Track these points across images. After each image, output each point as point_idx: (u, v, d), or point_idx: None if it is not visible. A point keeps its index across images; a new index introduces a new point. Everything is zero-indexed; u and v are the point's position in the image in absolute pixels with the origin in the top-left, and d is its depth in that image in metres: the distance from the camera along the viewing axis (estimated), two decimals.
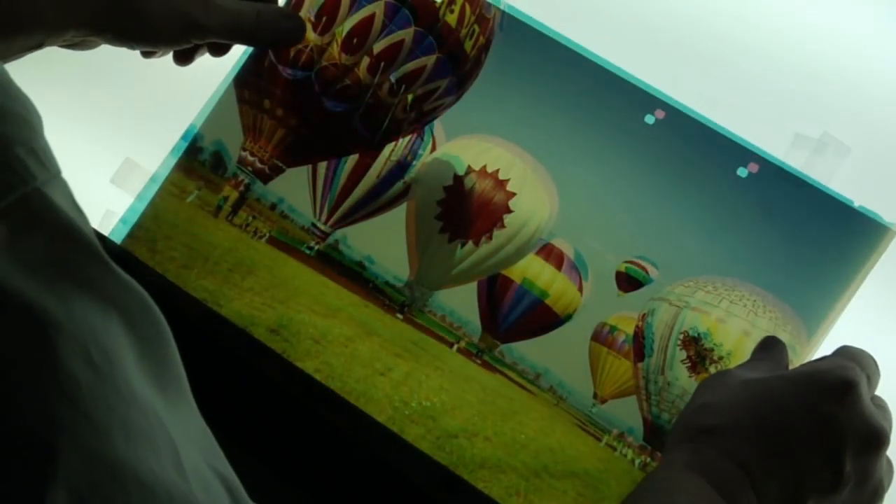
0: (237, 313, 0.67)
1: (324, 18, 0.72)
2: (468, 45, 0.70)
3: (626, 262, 0.65)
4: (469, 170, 0.69)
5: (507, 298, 0.68)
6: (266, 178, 0.72)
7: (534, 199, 0.68)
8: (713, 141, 0.65)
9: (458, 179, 0.69)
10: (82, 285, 0.30)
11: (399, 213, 0.70)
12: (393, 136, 0.71)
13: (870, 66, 0.71)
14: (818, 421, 0.50)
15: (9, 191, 0.29)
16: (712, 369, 0.62)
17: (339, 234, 0.71)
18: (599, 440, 0.64)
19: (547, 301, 0.67)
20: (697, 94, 0.67)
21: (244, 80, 0.72)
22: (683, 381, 0.63)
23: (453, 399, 0.65)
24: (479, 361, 0.67)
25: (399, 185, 0.70)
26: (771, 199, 0.63)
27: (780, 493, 0.49)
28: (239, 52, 0.72)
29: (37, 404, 0.27)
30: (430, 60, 0.71)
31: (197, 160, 0.72)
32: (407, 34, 0.71)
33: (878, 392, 0.55)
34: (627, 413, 0.64)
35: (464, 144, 0.70)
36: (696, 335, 0.63)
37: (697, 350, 0.63)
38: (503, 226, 0.68)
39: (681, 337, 0.64)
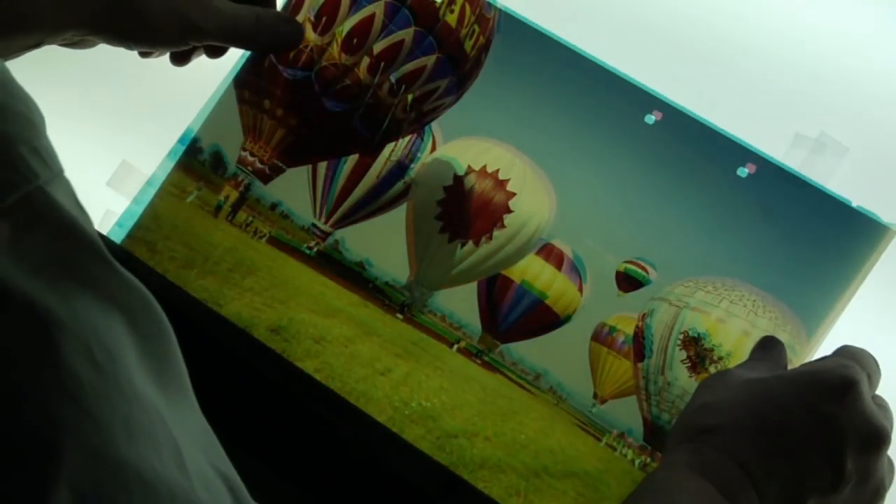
0: (237, 313, 0.67)
1: (324, 18, 0.72)
2: (468, 45, 0.70)
3: (626, 262, 0.65)
4: (469, 170, 0.69)
5: (507, 298, 0.68)
6: (266, 179, 0.72)
7: (534, 199, 0.68)
8: (712, 141, 0.65)
9: (458, 179, 0.69)
10: (85, 284, 0.30)
11: (399, 214, 0.70)
12: (393, 136, 0.71)
13: (869, 66, 0.71)
14: (819, 420, 0.50)
15: (12, 189, 0.29)
16: (712, 369, 0.62)
17: (339, 234, 0.70)
18: (599, 440, 0.64)
19: (547, 301, 0.67)
20: (696, 95, 0.67)
21: (244, 81, 0.72)
22: (683, 381, 0.63)
23: (453, 399, 0.65)
24: (479, 362, 0.67)
25: (399, 186, 0.70)
26: (770, 199, 0.64)
27: (781, 493, 0.49)
28: (237, 54, 0.72)
29: (39, 403, 0.27)
30: (430, 60, 0.71)
31: (197, 160, 0.72)
32: (407, 34, 0.71)
33: (878, 392, 0.55)
34: (627, 413, 0.64)
35: (464, 144, 0.70)
36: (696, 335, 0.63)
37: (697, 350, 0.63)
38: (503, 226, 0.68)
39: (681, 337, 0.64)
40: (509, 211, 0.68)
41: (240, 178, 0.72)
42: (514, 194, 0.68)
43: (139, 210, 0.71)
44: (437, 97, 0.71)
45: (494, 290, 0.68)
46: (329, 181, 0.71)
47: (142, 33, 0.59)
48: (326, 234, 0.71)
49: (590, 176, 0.67)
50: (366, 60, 0.71)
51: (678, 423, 0.55)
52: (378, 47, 0.71)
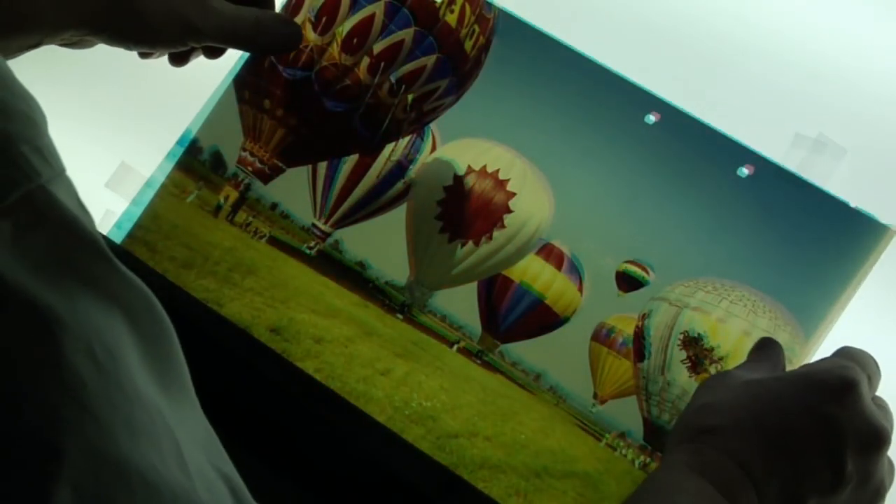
0: (237, 313, 0.67)
1: (324, 19, 0.72)
2: (468, 45, 0.70)
3: (626, 262, 0.65)
4: (469, 170, 0.69)
5: (507, 298, 0.68)
6: (266, 179, 0.72)
7: (534, 199, 0.68)
8: (710, 142, 0.65)
9: (459, 179, 0.69)
10: (86, 283, 0.30)
11: (399, 214, 0.70)
12: (393, 136, 0.71)
13: (869, 66, 0.71)
14: (819, 421, 0.50)
15: (13, 188, 0.29)
16: (712, 369, 0.62)
17: (339, 234, 0.70)
18: (600, 440, 0.64)
19: (547, 301, 0.67)
20: (695, 95, 0.67)
21: (244, 80, 0.72)
22: (683, 381, 0.63)
23: (453, 399, 0.65)
24: (479, 362, 0.67)
25: (399, 185, 0.70)
26: (768, 200, 0.64)
27: (781, 493, 0.49)
28: (236, 55, 0.72)
29: (40, 402, 0.27)
30: (430, 61, 0.71)
31: (197, 160, 0.72)
32: (407, 34, 0.71)
33: (878, 392, 0.55)
34: (627, 413, 0.64)
35: (464, 144, 0.70)
36: (696, 335, 0.63)
37: (697, 350, 0.63)
38: (503, 226, 0.68)
39: (681, 337, 0.64)
40: (509, 211, 0.68)
41: (240, 178, 0.72)
42: (514, 194, 0.68)
43: (138, 211, 0.71)
44: (437, 97, 0.71)
45: (494, 290, 0.68)
46: (329, 181, 0.71)
47: (141, 34, 0.59)
48: (326, 235, 0.71)
49: (589, 176, 0.67)
50: (366, 60, 0.71)
51: (678, 424, 0.55)
52: (378, 47, 0.71)
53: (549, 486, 0.62)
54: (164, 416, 0.31)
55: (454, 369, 0.66)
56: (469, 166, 0.69)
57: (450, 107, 0.70)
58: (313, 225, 0.71)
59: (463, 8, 0.70)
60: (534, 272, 0.67)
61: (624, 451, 0.63)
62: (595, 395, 0.65)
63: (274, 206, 0.71)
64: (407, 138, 0.71)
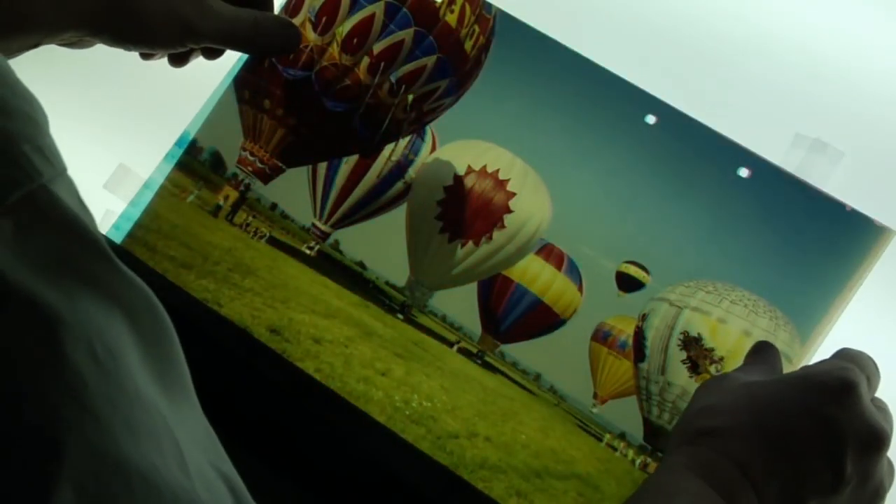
0: (237, 313, 0.67)
1: (324, 19, 0.72)
2: (468, 45, 0.70)
3: (626, 262, 0.65)
4: (469, 170, 0.69)
5: (507, 299, 0.68)
6: (266, 179, 0.72)
7: (534, 199, 0.68)
8: (710, 143, 0.65)
9: (459, 179, 0.69)
10: (87, 282, 0.30)
11: (399, 214, 0.70)
12: (393, 136, 0.71)
13: (869, 67, 0.71)
14: (818, 422, 0.50)
15: (15, 187, 0.29)
16: (712, 369, 0.62)
17: (338, 234, 0.70)
18: (600, 440, 0.64)
19: (547, 301, 0.67)
20: (694, 96, 0.67)
21: (244, 80, 0.72)
22: (684, 381, 0.63)
23: (453, 399, 0.65)
24: (479, 362, 0.67)
25: (399, 186, 0.70)
26: (765, 202, 0.64)
27: (781, 495, 0.49)
28: (235, 56, 0.72)
29: (41, 401, 0.27)
30: (430, 61, 0.71)
31: (197, 160, 0.72)
32: (407, 34, 0.71)
33: (878, 394, 0.55)
34: (627, 413, 0.64)
35: (464, 145, 0.70)
36: (696, 335, 0.63)
37: (697, 350, 0.63)
38: (503, 226, 0.68)
39: (681, 337, 0.64)
40: (509, 211, 0.68)
41: (239, 179, 0.72)
42: (514, 194, 0.68)
43: (136, 213, 0.71)
44: (436, 97, 0.71)
45: (494, 290, 0.68)
46: (328, 181, 0.71)
47: (140, 35, 0.59)
48: (326, 235, 0.71)
49: (588, 177, 0.67)
50: (366, 60, 0.71)
51: (678, 426, 0.55)
52: (378, 47, 0.71)
53: (549, 487, 0.62)
54: (164, 416, 0.31)
55: (454, 369, 0.66)
56: (469, 166, 0.69)
57: (450, 107, 0.70)
58: (313, 225, 0.71)
59: (463, 8, 0.70)
60: (534, 272, 0.67)
61: (624, 451, 0.63)
62: (595, 396, 0.65)
63: (274, 206, 0.71)
64: (406, 138, 0.71)
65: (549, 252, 0.67)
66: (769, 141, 0.65)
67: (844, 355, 0.55)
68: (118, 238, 0.70)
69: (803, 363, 0.61)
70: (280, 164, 0.72)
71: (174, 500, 0.29)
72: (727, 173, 0.64)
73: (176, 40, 0.60)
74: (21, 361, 0.27)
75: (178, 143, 0.72)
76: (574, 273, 0.67)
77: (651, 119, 0.66)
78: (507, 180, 0.68)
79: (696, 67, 0.73)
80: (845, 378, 0.51)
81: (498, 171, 0.68)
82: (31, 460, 0.26)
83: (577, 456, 0.64)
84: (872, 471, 0.50)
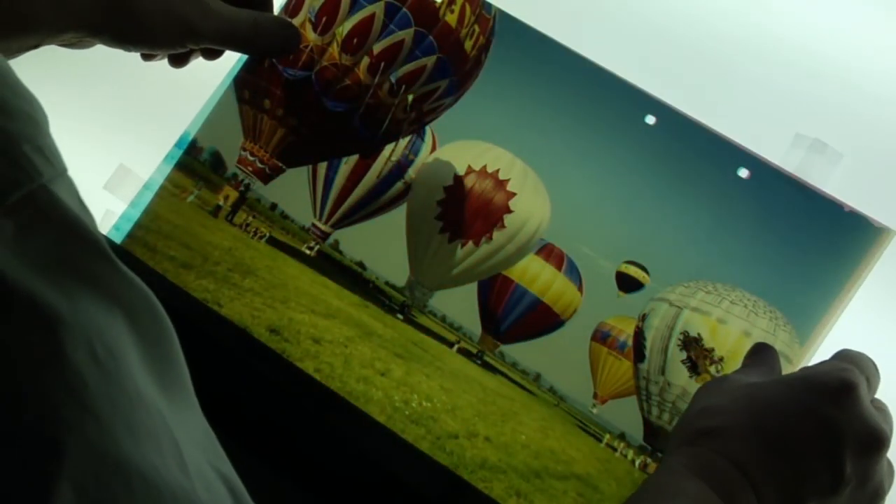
0: (237, 313, 0.67)
1: (324, 19, 0.72)
2: (468, 45, 0.70)
3: (626, 263, 0.65)
4: (469, 170, 0.69)
5: (507, 299, 0.68)
6: (266, 179, 0.72)
7: (534, 199, 0.68)
8: (709, 144, 0.65)
9: (459, 179, 0.69)
10: (87, 282, 0.30)
11: (399, 214, 0.70)
12: (393, 136, 0.71)
13: (869, 67, 0.71)
14: (818, 423, 0.50)
15: (16, 187, 0.29)
16: (712, 370, 0.62)
17: (338, 234, 0.70)
18: (600, 440, 0.64)
19: (547, 301, 0.67)
20: (693, 96, 0.67)
21: (244, 80, 0.72)
22: (683, 381, 0.63)
23: (453, 399, 0.65)
24: (479, 362, 0.67)
25: (399, 186, 0.70)
26: (766, 202, 0.64)
27: (780, 495, 0.49)
28: (235, 56, 0.72)
29: (41, 400, 0.27)
30: (429, 61, 0.71)
31: (197, 160, 0.72)
32: (407, 34, 0.71)
33: (878, 395, 0.55)
34: (627, 413, 0.64)
35: (464, 145, 0.70)
36: (696, 335, 0.63)
37: (697, 350, 0.63)
38: (503, 226, 0.68)
39: (681, 337, 0.64)
40: (509, 211, 0.68)
41: (239, 179, 0.72)
42: (514, 194, 0.68)
43: (136, 213, 0.71)
44: (436, 97, 0.71)
45: (494, 290, 0.68)
46: (328, 181, 0.71)
47: (140, 35, 0.59)
48: (326, 235, 0.71)
49: (588, 177, 0.67)
50: (366, 60, 0.71)
51: (677, 427, 0.55)
52: (378, 47, 0.71)
53: (549, 487, 0.62)
54: (163, 416, 0.31)
55: (454, 370, 0.66)
56: (469, 166, 0.69)
57: (449, 107, 0.70)
58: (313, 225, 0.71)
59: (463, 8, 0.70)
60: (534, 272, 0.67)
61: (624, 452, 0.63)
62: (595, 396, 0.65)
63: (273, 206, 0.71)
64: (406, 139, 0.71)
65: (548, 252, 0.67)
66: (769, 141, 0.65)
67: (844, 356, 0.55)
68: (118, 238, 0.70)
69: (803, 364, 0.61)
70: (280, 164, 0.72)
71: (174, 500, 0.29)
72: (727, 174, 0.64)
73: (176, 41, 0.60)
74: (21, 361, 0.27)
75: (177, 144, 0.72)
76: (574, 273, 0.67)
77: (651, 119, 0.66)
78: (507, 180, 0.68)
79: (696, 67, 0.73)
80: (845, 379, 0.51)
81: (498, 171, 0.68)
82: (31, 460, 0.26)
83: (576, 456, 0.64)
84: (872, 471, 0.50)
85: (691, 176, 0.65)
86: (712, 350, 0.63)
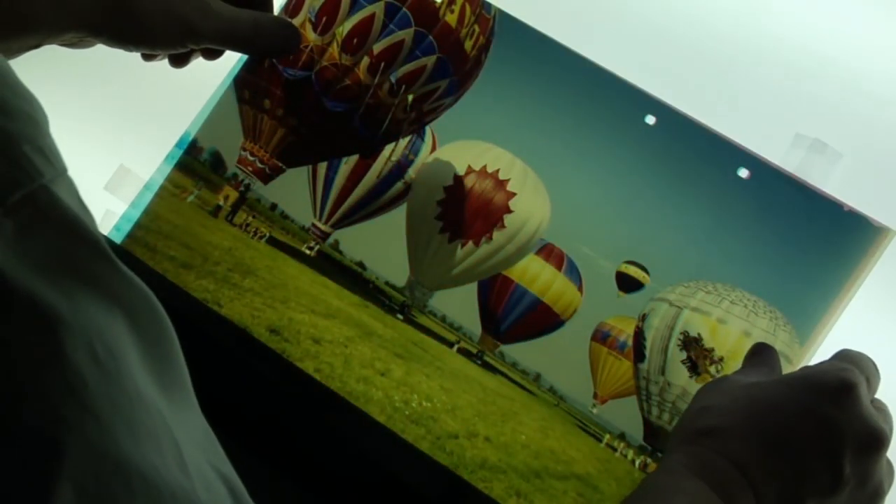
0: (237, 313, 0.67)
1: (324, 19, 0.72)
2: (468, 45, 0.70)
3: (626, 263, 0.65)
4: (469, 170, 0.69)
5: (507, 299, 0.68)
6: (266, 179, 0.72)
7: (534, 199, 0.68)
8: (709, 144, 0.65)
9: (459, 179, 0.69)
10: (88, 282, 0.30)
11: (399, 214, 0.70)
12: (392, 136, 0.71)
13: (869, 67, 0.71)
14: (817, 423, 0.50)
15: (16, 188, 0.29)
16: (712, 370, 0.62)
17: (338, 234, 0.70)
18: (599, 440, 0.64)
19: (547, 301, 0.67)
20: (693, 96, 0.67)
21: (244, 81, 0.72)
22: (683, 381, 0.63)
23: (453, 399, 0.65)
24: (479, 362, 0.67)
25: (399, 186, 0.70)
26: (766, 202, 0.64)
27: (780, 495, 0.49)
28: (236, 56, 0.72)
29: (41, 401, 0.27)
30: (429, 61, 0.71)
31: (197, 160, 0.72)
32: (407, 34, 0.71)
33: (878, 395, 0.55)
34: (627, 413, 0.64)
35: (463, 145, 0.70)
36: (696, 335, 0.63)
37: (697, 350, 0.63)
38: (503, 226, 0.68)
39: (681, 337, 0.64)
40: (509, 211, 0.68)
41: (239, 179, 0.72)
42: (514, 194, 0.68)
43: (137, 214, 0.71)
44: (436, 97, 0.71)
45: (494, 290, 0.68)
46: (328, 181, 0.71)
47: (140, 35, 0.59)
48: (326, 235, 0.71)
49: (588, 177, 0.67)
50: (366, 60, 0.71)
51: (677, 427, 0.55)
52: (378, 47, 0.71)
53: (549, 487, 0.62)
54: (163, 416, 0.31)
55: (454, 370, 0.66)
56: (469, 166, 0.69)
57: (449, 107, 0.70)
58: (313, 225, 0.71)
59: (463, 8, 0.70)
60: (534, 272, 0.67)
61: (624, 452, 0.63)
62: (595, 396, 0.65)
63: (273, 206, 0.71)
64: (406, 139, 0.71)
65: (548, 252, 0.67)
66: (769, 141, 0.65)
67: (844, 356, 0.55)
68: (118, 238, 0.70)
69: (803, 364, 0.62)
70: (280, 164, 0.72)
71: (174, 500, 0.29)
72: (727, 174, 0.64)
73: (176, 41, 0.60)
74: (21, 361, 0.27)
75: (178, 145, 0.72)
76: (574, 273, 0.67)
77: (651, 119, 0.66)
78: (507, 180, 0.68)
79: (696, 68, 0.73)
80: (844, 379, 0.51)
81: (498, 171, 0.68)
82: (31, 460, 0.26)
83: (576, 456, 0.64)
84: (871, 471, 0.50)
85: (691, 176, 0.65)
86: (712, 350, 0.63)
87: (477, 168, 0.69)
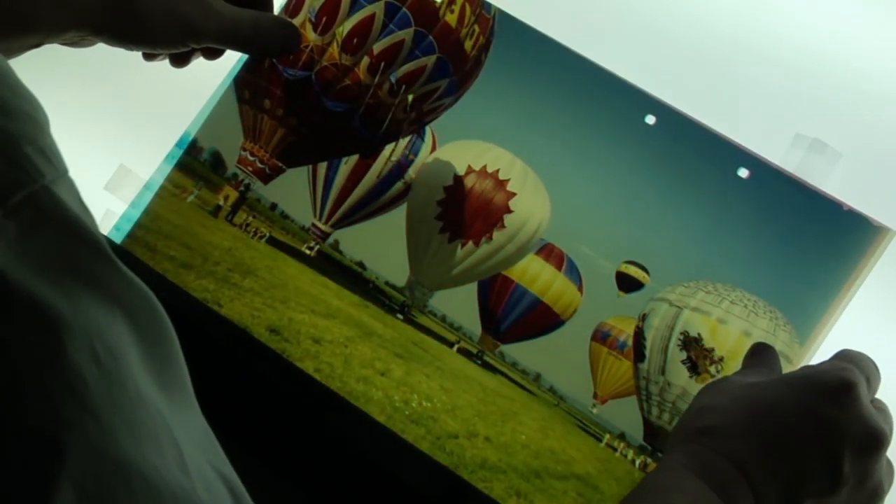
0: (236, 313, 0.67)
1: (324, 19, 0.72)
2: (468, 45, 0.70)
3: (626, 263, 0.65)
4: (469, 170, 0.69)
5: (507, 299, 0.68)
6: (266, 179, 0.72)
7: (534, 199, 0.68)
8: (709, 144, 0.65)
9: (459, 179, 0.69)
10: (88, 283, 0.30)
11: (399, 214, 0.70)
12: (392, 136, 0.71)
13: (869, 67, 0.71)
14: (817, 422, 0.50)
15: (18, 188, 0.29)
16: (712, 370, 0.62)
17: (338, 234, 0.71)
18: (599, 440, 0.64)
19: (547, 301, 0.67)
20: (693, 96, 0.67)
21: (244, 80, 0.73)
22: (683, 381, 0.63)
23: (453, 399, 0.65)
24: (479, 362, 0.67)
25: (399, 186, 0.70)
26: (766, 202, 0.64)
27: (779, 494, 0.49)
28: (236, 56, 0.72)
29: (43, 401, 0.27)
30: (429, 61, 0.71)
31: (197, 160, 0.72)
32: (407, 34, 0.71)
33: (878, 395, 0.55)
34: (627, 413, 0.64)
35: (464, 144, 0.70)
36: (696, 335, 0.63)
37: (697, 350, 0.63)
38: (503, 226, 0.68)
39: (681, 337, 0.64)
40: (509, 211, 0.68)
41: (239, 179, 0.72)
42: (514, 194, 0.68)
43: (137, 214, 0.71)
44: (436, 97, 0.71)
45: (494, 290, 0.68)
46: (328, 181, 0.71)
47: (141, 34, 0.59)
48: (326, 235, 0.71)
49: (589, 177, 0.67)
50: (366, 60, 0.71)
51: (677, 426, 0.55)
52: (378, 47, 0.71)
53: (549, 487, 0.62)
54: (164, 416, 0.31)
55: (454, 369, 0.66)
56: (469, 166, 0.69)
57: (449, 107, 0.70)
58: (313, 225, 0.71)
59: (463, 8, 0.71)
60: (534, 272, 0.67)
61: (624, 452, 0.64)
62: (595, 396, 0.65)
63: (273, 206, 0.71)
64: (406, 139, 0.71)
65: (548, 252, 0.67)
66: (769, 141, 0.65)
67: (844, 356, 0.55)
68: (119, 238, 0.70)
69: (803, 363, 0.62)
70: (280, 164, 0.72)
71: (174, 500, 0.29)
72: (727, 174, 0.64)
73: (177, 40, 0.60)
74: (22, 361, 0.27)
75: (178, 144, 0.72)
76: (574, 273, 0.67)
77: (651, 119, 0.66)
78: (507, 180, 0.68)
79: (696, 68, 0.73)
80: (844, 378, 0.51)
81: (498, 171, 0.69)
82: (31, 460, 0.26)
83: (576, 456, 0.64)
84: (871, 471, 0.50)
85: (691, 176, 0.65)
86: (712, 350, 0.63)
87: (477, 168, 0.69)
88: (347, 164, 0.71)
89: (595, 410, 0.64)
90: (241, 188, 0.71)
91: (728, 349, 0.63)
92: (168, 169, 0.72)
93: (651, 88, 0.67)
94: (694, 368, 0.63)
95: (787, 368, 0.60)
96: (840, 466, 0.49)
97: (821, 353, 0.62)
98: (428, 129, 0.71)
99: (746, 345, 0.61)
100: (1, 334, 0.27)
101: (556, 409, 0.65)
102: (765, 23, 0.73)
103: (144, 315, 0.32)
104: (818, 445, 0.49)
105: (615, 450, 0.64)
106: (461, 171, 0.69)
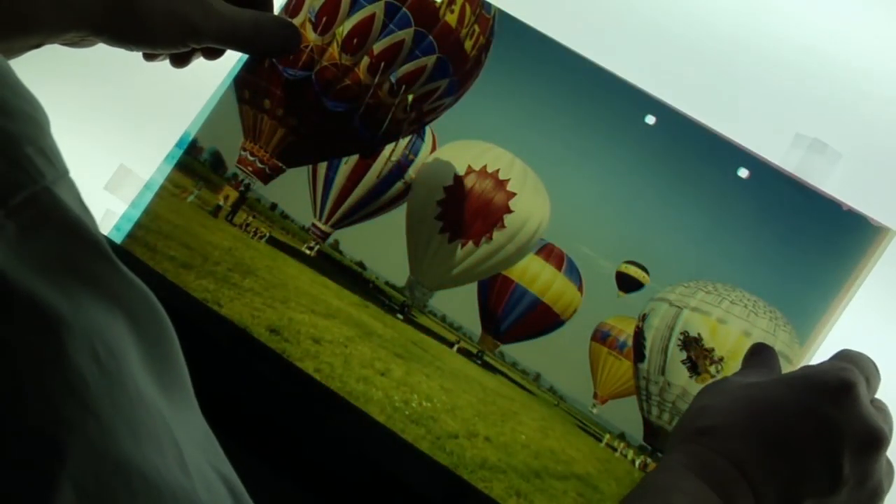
0: (236, 313, 0.67)
1: (324, 19, 0.72)
2: (468, 44, 0.70)
3: (626, 263, 0.65)
4: (469, 170, 0.69)
5: (507, 299, 0.68)
6: (266, 179, 0.72)
7: (534, 199, 0.68)
8: (709, 144, 0.65)
9: (459, 179, 0.69)
10: (89, 283, 0.30)
11: (399, 214, 0.70)
12: (392, 136, 0.71)
13: (869, 67, 0.71)
14: (817, 423, 0.50)
15: (18, 189, 0.29)
16: (712, 370, 0.63)
17: (338, 234, 0.71)
18: (599, 440, 0.64)
19: (547, 301, 0.67)
20: (693, 96, 0.67)
21: (244, 80, 0.73)
22: (683, 381, 0.63)
23: (453, 399, 0.65)
24: (479, 362, 0.67)
25: (399, 186, 0.70)
26: (766, 202, 0.64)
27: (779, 494, 0.49)
28: (236, 56, 0.72)
29: (43, 401, 0.27)
30: (429, 61, 0.71)
31: (197, 160, 0.72)
32: (407, 34, 0.71)
33: (878, 394, 0.55)
34: (627, 413, 0.64)
35: (464, 144, 0.70)
36: (696, 335, 0.63)
37: (697, 350, 0.63)
38: (503, 226, 0.68)
39: (681, 337, 0.64)
40: (509, 211, 0.68)
41: (239, 179, 0.72)
42: (514, 194, 0.68)
43: (137, 214, 0.71)
44: (436, 97, 0.71)
45: (494, 290, 0.68)
46: (328, 181, 0.71)
47: (141, 34, 0.59)
48: (326, 235, 0.71)
49: (588, 177, 0.67)
50: (366, 60, 0.71)
51: (677, 426, 0.55)
52: (378, 47, 0.71)
53: (548, 487, 0.62)
54: (164, 416, 0.31)
55: (454, 369, 0.66)
56: (469, 166, 0.69)
57: (449, 107, 0.70)
58: (313, 225, 0.71)
59: (463, 8, 0.71)
60: (534, 272, 0.68)
61: (624, 452, 0.64)
62: (595, 396, 0.65)
63: (273, 206, 0.71)
64: (406, 139, 0.71)
65: (548, 252, 0.67)
66: (769, 141, 0.65)
67: (844, 356, 0.55)
68: (119, 238, 0.70)
69: (803, 363, 0.62)
70: (280, 164, 0.72)
71: (174, 501, 0.29)
72: (727, 174, 0.64)
73: (178, 40, 0.60)
74: (23, 361, 0.27)
75: (178, 144, 0.72)
76: (574, 273, 0.67)
77: (651, 119, 0.66)
78: (507, 180, 0.68)
79: (697, 68, 0.74)
80: (844, 378, 0.51)
81: (498, 171, 0.69)
82: (32, 460, 0.26)
83: (576, 456, 0.64)
84: (870, 471, 0.50)
85: (691, 176, 0.65)
86: (712, 350, 0.63)
87: (477, 168, 0.69)
88: (347, 164, 0.71)
89: (595, 410, 0.65)
90: (241, 188, 0.71)
91: (728, 349, 0.63)
92: (168, 169, 0.72)
93: (651, 88, 0.67)
94: (694, 368, 0.63)
95: (786, 368, 0.60)
96: (840, 466, 0.49)
97: (821, 353, 0.62)
98: (428, 129, 0.71)
99: (746, 345, 0.61)
100: (1, 334, 0.27)
101: (556, 409, 0.65)
102: (765, 23, 0.73)
103: (144, 315, 0.32)
104: (818, 445, 0.49)
105: (615, 450, 0.64)
106: (461, 171, 0.69)
